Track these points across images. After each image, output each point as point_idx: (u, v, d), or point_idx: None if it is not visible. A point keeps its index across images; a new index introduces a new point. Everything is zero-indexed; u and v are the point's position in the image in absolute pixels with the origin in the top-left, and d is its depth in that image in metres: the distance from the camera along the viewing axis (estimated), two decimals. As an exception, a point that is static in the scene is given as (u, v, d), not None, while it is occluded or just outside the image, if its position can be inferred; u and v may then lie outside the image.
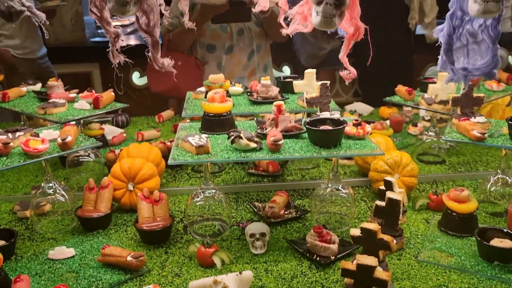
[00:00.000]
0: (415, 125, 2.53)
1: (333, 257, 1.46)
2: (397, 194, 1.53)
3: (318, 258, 1.46)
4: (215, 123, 1.64)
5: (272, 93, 2.00)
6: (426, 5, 2.33)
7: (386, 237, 1.38)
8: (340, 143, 1.50)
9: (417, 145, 2.32)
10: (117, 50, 1.21)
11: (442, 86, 1.99)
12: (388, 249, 1.38)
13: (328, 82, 1.69)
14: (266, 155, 1.45)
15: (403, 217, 1.70)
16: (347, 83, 1.34)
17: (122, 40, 1.23)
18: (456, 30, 1.18)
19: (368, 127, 1.56)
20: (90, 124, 2.42)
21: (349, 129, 1.56)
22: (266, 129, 1.60)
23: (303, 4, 1.18)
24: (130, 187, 1.75)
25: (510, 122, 1.58)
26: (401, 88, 2.18)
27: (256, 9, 1.55)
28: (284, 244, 1.58)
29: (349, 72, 1.30)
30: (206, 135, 1.53)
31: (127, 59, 1.30)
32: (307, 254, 1.49)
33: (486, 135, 1.59)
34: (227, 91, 1.98)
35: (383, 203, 1.56)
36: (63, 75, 4.80)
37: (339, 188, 1.65)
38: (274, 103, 1.60)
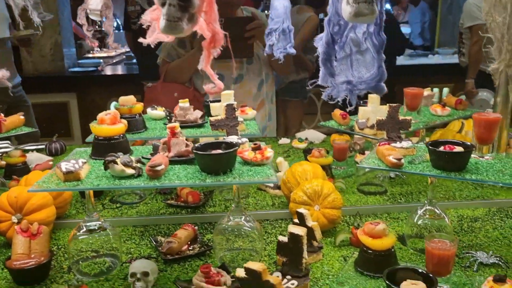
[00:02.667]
0: (362, 153, 2.35)
1: (220, 302, 1.26)
2: (300, 228, 1.34)
3: (201, 303, 1.26)
4: (104, 147, 1.47)
5: (190, 117, 1.84)
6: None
7: (273, 279, 1.19)
8: (231, 169, 1.33)
9: (359, 174, 2.13)
10: None
11: (374, 109, 1.83)
12: (276, 293, 1.19)
13: (235, 103, 1.53)
14: (142, 182, 1.28)
15: (318, 254, 1.51)
16: (211, 98, 1.17)
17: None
18: (335, 38, 1.02)
19: (269, 152, 1.39)
20: (11, 151, 2.27)
21: (247, 154, 1.39)
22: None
23: (155, 8, 1.04)
24: (15, 219, 1.57)
25: (430, 147, 1.41)
26: (336, 112, 2.01)
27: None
28: (174, 286, 1.38)
29: (214, 86, 1.14)
30: (84, 160, 1.36)
31: None
32: (192, 298, 1.29)
33: (402, 161, 1.42)
34: (139, 114, 1.81)
35: (286, 239, 1.37)
36: (40, 104, 4.71)
37: (242, 221, 1.47)
38: (168, 125, 1.44)
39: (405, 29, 7.82)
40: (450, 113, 2.09)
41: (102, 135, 1.47)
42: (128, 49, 6.85)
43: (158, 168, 1.27)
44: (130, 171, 1.29)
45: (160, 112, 1.97)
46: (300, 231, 1.33)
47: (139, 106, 1.80)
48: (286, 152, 2.59)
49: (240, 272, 1.21)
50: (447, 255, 1.27)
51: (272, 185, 2.05)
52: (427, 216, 1.52)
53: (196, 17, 0.98)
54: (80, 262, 1.46)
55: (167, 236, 1.63)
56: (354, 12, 0.94)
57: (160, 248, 1.55)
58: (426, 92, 2.29)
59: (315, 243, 1.51)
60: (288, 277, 1.36)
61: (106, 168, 1.28)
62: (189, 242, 1.60)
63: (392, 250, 1.39)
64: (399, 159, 1.41)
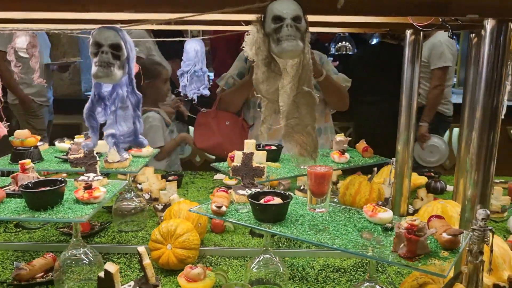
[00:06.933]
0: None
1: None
2: (113, 266, 1.41)
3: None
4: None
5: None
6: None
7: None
8: (53, 206, 1.43)
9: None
10: None
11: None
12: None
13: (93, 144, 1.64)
14: (-33, 215, 1.40)
15: (151, 293, 1.56)
16: None
17: None
18: (100, 94, 1.11)
19: (99, 192, 1.48)
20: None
21: (80, 193, 1.49)
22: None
23: None
24: None
25: (250, 199, 1.45)
26: (231, 153, 2.07)
27: None
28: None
29: None
30: None
31: None
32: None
33: (223, 208, 1.46)
34: (34, 146, 1.96)
35: (103, 275, 1.44)
36: (55, 124, 5.07)
37: (81, 255, 1.56)
38: (20, 161, 1.57)
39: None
40: (349, 160, 2.09)
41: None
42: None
43: (-19, 202, 1.39)
44: (-41, 203, 1.42)
45: (66, 145, 2.11)
46: (112, 268, 1.40)
47: (33, 139, 1.95)
48: (214, 188, 2.66)
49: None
50: (238, 305, 1.29)
51: (167, 220, 2.12)
52: (262, 263, 1.55)
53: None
54: None
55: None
56: (92, 74, 1.03)
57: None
58: (339, 137, 2.31)
59: (151, 281, 1.57)
60: (102, 313, 1.43)
61: None
62: (46, 270, 1.70)
63: (208, 295, 1.43)
64: (219, 207, 1.46)
